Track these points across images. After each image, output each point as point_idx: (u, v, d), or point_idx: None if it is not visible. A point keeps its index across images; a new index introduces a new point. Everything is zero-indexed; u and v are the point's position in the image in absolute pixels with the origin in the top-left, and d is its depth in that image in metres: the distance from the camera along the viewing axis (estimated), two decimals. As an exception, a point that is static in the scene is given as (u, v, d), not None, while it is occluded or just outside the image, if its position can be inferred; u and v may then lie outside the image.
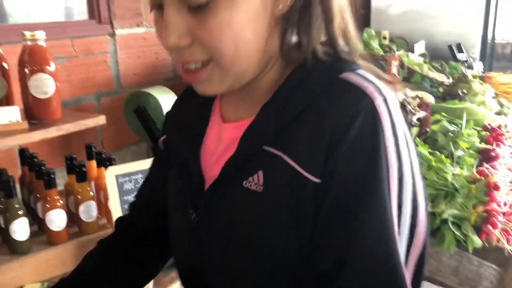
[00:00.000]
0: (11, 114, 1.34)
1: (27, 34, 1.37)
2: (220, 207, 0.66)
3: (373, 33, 2.94)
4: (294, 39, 0.63)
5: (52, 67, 1.41)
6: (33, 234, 1.31)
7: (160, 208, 0.81)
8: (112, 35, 1.97)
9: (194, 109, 0.75)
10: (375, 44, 2.88)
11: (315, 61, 0.61)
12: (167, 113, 0.84)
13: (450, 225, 1.47)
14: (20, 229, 1.25)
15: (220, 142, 0.69)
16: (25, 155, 1.43)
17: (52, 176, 1.25)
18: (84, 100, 1.92)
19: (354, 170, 0.55)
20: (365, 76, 0.60)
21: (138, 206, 0.91)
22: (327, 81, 0.60)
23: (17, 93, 1.47)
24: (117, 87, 2.03)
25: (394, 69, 2.27)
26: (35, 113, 1.40)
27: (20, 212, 1.24)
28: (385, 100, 0.57)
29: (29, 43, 1.38)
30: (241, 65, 0.60)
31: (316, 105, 0.58)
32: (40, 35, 1.39)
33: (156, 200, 0.84)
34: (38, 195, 1.34)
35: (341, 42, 0.62)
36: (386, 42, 2.91)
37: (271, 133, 0.60)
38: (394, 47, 3.00)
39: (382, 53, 2.87)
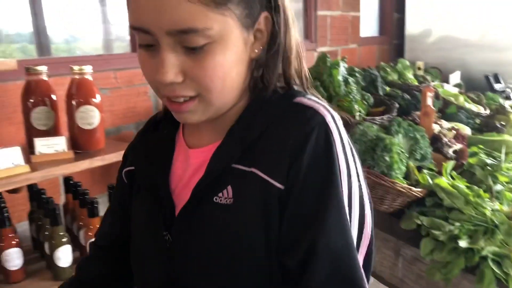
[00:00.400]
0: (58, 144, 1.40)
1: (75, 68, 1.45)
2: (193, 224, 0.70)
3: (408, 63, 2.94)
4: (256, 74, 0.73)
5: (97, 99, 1.47)
6: (75, 261, 1.36)
7: (124, 239, 0.85)
8: (153, 66, 2.05)
9: (159, 140, 0.80)
10: (409, 74, 2.88)
11: (271, 92, 0.72)
12: (131, 145, 0.88)
13: (490, 263, 1.43)
14: (64, 256, 1.30)
15: (187, 167, 0.75)
16: (69, 183, 1.48)
17: (95, 205, 1.29)
18: (125, 129, 1.99)
19: (314, 176, 0.64)
20: (315, 99, 0.71)
21: (104, 240, 0.91)
22: (283, 105, 0.70)
23: (63, 123, 1.54)
24: (155, 116, 2.09)
25: (429, 101, 2.25)
26: (80, 143, 1.47)
27: (64, 240, 1.29)
28: (333, 117, 0.68)
29: (77, 76, 1.45)
30: (223, 100, 0.68)
31: (276, 124, 0.68)
32: (87, 69, 1.46)
33: (120, 233, 0.87)
34: (81, 222, 1.39)
35: (294, 79, 0.73)
36: (421, 72, 2.91)
37: (238, 153, 0.68)
38: (428, 77, 2.98)
39: (416, 83, 2.86)
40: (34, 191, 1.43)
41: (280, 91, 0.72)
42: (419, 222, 1.65)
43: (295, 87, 0.73)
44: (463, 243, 1.48)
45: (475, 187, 1.67)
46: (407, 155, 1.88)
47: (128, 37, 2.11)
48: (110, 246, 0.89)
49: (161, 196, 0.74)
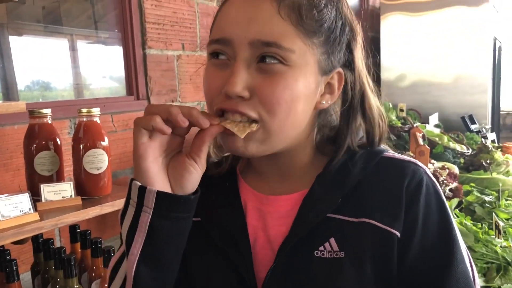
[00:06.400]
0: (66, 190, 1.33)
1: (84, 110, 1.39)
2: (291, 281, 0.66)
3: (391, 105, 3.02)
4: (327, 132, 0.74)
5: (106, 142, 1.42)
6: (85, 317, 1.26)
7: None
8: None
9: (222, 191, 0.76)
10: (392, 116, 2.96)
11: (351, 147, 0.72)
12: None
13: (510, 301, 1.43)
14: (78, 311, 1.20)
15: (264, 216, 0.71)
16: (76, 231, 1.39)
17: (112, 254, 1.21)
18: (121, 175, 1.92)
19: (433, 221, 0.67)
20: (402, 155, 0.73)
21: None
22: (373, 160, 0.70)
23: (66, 168, 1.46)
24: (151, 161, 2.03)
25: (421, 140, 2.31)
26: (87, 188, 1.39)
27: (79, 293, 1.19)
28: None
29: (84, 119, 1.40)
30: (283, 134, 0.66)
31: (375, 177, 0.69)
32: (96, 111, 1.40)
33: None
34: (93, 274, 1.29)
35: (377, 140, 0.73)
36: (403, 114, 2.99)
37: (336, 202, 0.67)
38: (410, 119, 3.07)
39: (400, 124, 2.94)
40: (41, 241, 1.33)
41: (358, 148, 0.72)
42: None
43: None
44: (480, 282, 1.48)
45: (484, 225, 1.69)
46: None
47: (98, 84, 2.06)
48: None
49: (241, 251, 0.69)
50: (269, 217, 0.71)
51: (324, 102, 0.69)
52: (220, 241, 0.71)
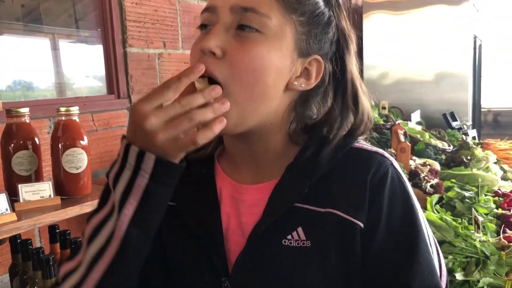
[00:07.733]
0: (45, 190, 1.31)
1: (62, 109, 1.38)
2: (259, 267, 0.68)
3: (373, 103, 3.04)
4: (305, 123, 0.74)
5: (85, 141, 1.40)
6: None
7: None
8: (130, 109, 1.99)
9: (198, 178, 0.77)
10: (375, 113, 2.98)
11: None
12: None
13: (488, 294, 1.45)
14: (57, 312, 1.18)
15: (238, 204, 0.73)
16: (55, 231, 1.38)
17: (91, 253, 1.20)
18: (102, 174, 1.90)
19: (397, 212, 0.68)
20: (370, 145, 0.75)
21: None
22: (344, 150, 0.71)
23: (45, 168, 1.45)
24: (133, 160, 2.02)
25: (402, 137, 2.33)
26: (67, 188, 1.38)
27: (57, 294, 1.18)
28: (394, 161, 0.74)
29: (63, 118, 1.38)
30: (249, 105, 0.66)
31: (343, 167, 0.69)
32: (75, 110, 1.39)
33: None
34: (72, 274, 1.28)
35: (359, 132, 0.74)
36: (385, 111, 3.02)
37: (303, 192, 0.68)
38: (392, 116, 3.09)
39: (382, 122, 2.96)
40: (19, 242, 1.31)
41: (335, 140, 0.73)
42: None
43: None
44: (459, 276, 1.50)
45: (464, 220, 1.71)
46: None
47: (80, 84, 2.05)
48: None
49: (213, 237, 0.71)
50: (242, 205, 0.73)
51: (296, 83, 0.70)
52: (194, 227, 0.72)
